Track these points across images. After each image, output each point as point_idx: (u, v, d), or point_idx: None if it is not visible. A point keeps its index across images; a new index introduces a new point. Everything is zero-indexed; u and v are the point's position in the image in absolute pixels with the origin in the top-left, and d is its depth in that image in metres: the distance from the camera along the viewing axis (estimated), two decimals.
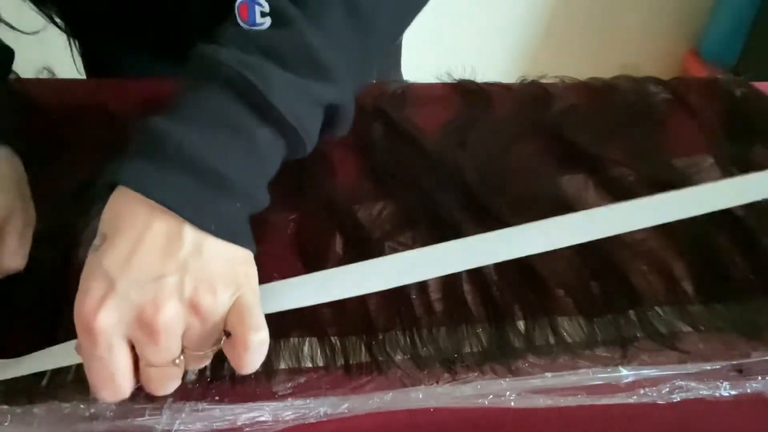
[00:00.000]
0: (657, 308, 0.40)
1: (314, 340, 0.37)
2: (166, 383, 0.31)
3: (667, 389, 0.36)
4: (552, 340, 0.38)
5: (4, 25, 0.50)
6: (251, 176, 0.33)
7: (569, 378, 0.36)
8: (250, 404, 0.34)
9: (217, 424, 0.33)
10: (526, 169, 0.49)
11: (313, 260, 0.41)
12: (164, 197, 0.30)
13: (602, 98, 0.56)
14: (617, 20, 1.67)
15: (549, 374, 0.36)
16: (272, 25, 0.34)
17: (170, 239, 0.30)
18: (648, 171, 0.49)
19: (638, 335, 0.39)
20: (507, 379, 0.36)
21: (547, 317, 0.39)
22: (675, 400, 0.36)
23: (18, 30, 0.51)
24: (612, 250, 0.42)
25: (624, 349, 0.38)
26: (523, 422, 0.35)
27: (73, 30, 0.60)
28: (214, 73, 0.33)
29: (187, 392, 0.34)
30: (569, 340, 0.38)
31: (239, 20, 0.34)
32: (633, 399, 0.36)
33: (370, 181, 0.47)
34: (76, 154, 0.46)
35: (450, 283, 0.40)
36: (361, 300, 0.38)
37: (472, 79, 0.57)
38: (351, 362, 0.36)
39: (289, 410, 0.34)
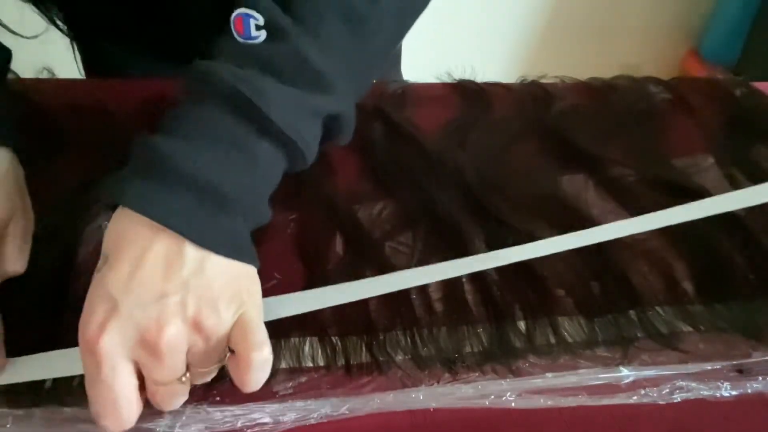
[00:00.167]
0: (657, 308, 0.40)
1: (315, 339, 0.37)
2: (173, 399, 0.31)
3: (668, 389, 0.36)
4: (552, 340, 0.38)
5: (5, 29, 0.50)
6: (252, 191, 0.33)
7: (570, 378, 0.36)
8: (251, 406, 0.34)
9: (218, 426, 0.33)
10: (526, 169, 0.49)
11: (313, 260, 0.41)
12: (165, 217, 0.30)
13: (602, 98, 0.56)
14: (617, 20, 1.67)
15: (550, 374, 0.36)
16: (267, 38, 0.34)
17: (171, 258, 0.30)
18: (648, 171, 0.49)
19: (639, 335, 0.39)
20: (507, 380, 0.36)
21: (548, 317, 0.39)
22: (675, 401, 0.36)
23: (19, 35, 0.51)
24: (612, 251, 0.42)
25: (624, 349, 0.38)
26: (523, 422, 0.35)
27: (73, 32, 0.60)
28: (212, 89, 0.33)
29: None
30: (570, 340, 0.38)
31: (235, 34, 0.34)
32: (633, 399, 0.36)
33: (370, 181, 0.47)
34: (76, 154, 0.46)
35: (450, 283, 0.40)
36: (362, 300, 0.38)
37: (472, 79, 0.57)
38: (352, 362, 0.36)
39: (289, 412, 0.34)
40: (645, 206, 0.44)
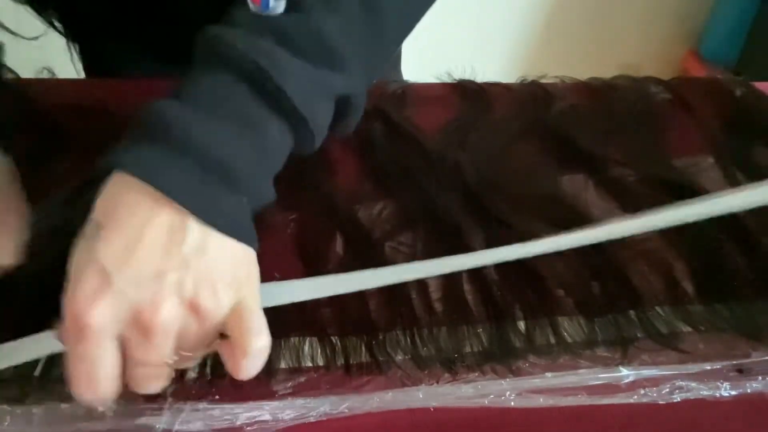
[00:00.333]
0: (657, 308, 0.40)
1: (315, 339, 0.37)
2: (153, 383, 0.30)
3: (668, 389, 0.36)
4: (552, 340, 0.38)
5: (4, 30, 0.50)
6: (258, 170, 0.32)
7: (570, 378, 0.36)
8: (250, 404, 0.34)
9: (218, 423, 0.33)
10: (526, 169, 0.49)
11: (313, 260, 0.41)
12: (169, 186, 0.28)
13: (602, 98, 0.56)
14: (617, 20, 1.67)
15: (549, 374, 0.36)
16: (286, 10, 0.33)
17: (172, 234, 0.28)
18: (648, 171, 0.49)
19: (639, 335, 0.39)
20: (507, 379, 0.36)
21: (548, 317, 0.39)
22: (675, 401, 0.36)
23: (19, 35, 0.51)
24: (612, 251, 0.42)
25: (624, 349, 0.38)
26: (523, 422, 0.35)
27: (73, 32, 0.60)
28: (226, 58, 0.31)
29: (187, 392, 0.34)
30: (570, 340, 0.38)
31: (251, 5, 0.33)
32: (633, 399, 0.36)
33: (370, 181, 0.47)
34: (76, 154, 0.46)
35: (450, 283, 0.40)
36: (362, 300, 0.38)
37: (472, 79, 0.57)
38: (351, 362, 0.36)
39: (289, 409, 0.34)
40: (645, 206, 0.44)
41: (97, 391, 0.28)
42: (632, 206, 0.46)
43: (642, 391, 0.36)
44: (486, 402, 0.35)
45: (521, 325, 0.39)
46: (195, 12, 0.53)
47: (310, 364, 0.36)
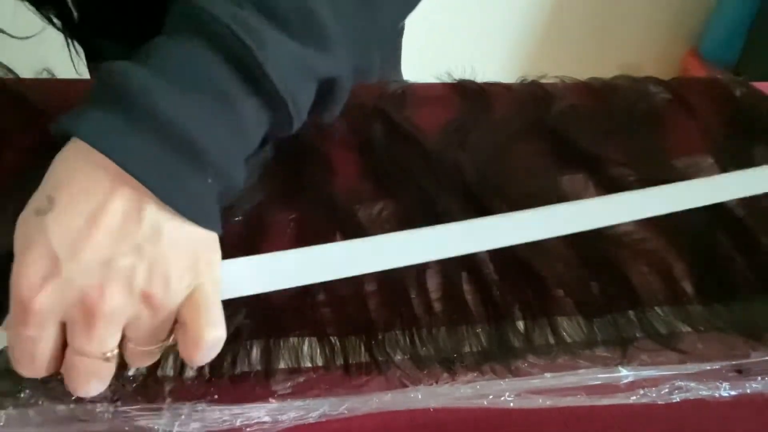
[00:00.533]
0: (657, 308, 0.40)
1: (314, 339, 0.37)
2: (90, 379, 0.28)
3: (667, 389, 0.36)
4: (552, 340, 0.38)
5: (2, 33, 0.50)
6: (229, 151, 0.29)
7: (569, 378, 0.36)
8: (249, 405, 0.34)
9: (217, 425, 0.33)
10: (526, 169, 0.49)
11: None
12: (128, 161, 0.26)
13: (602, 98, 0.56)
14: (617, 20, 1.67)
15: (549, 374, 0.36)
16: None
17: (127, 218, 0.26)
18: (648, 171, 0.49)
19: (638, 335, 0.39)
20: (507, 380, 0.36)
21: (547, 317, 0.39)
22: (675, 401, 0.36)
23: (16, 37, 0.51)
24: (612, 250, 0.42)
25: (624, 350, 0.38)
26: (522, 422, 0.35)
27: (73, 32, 0.60)
28: (203, 27, 0.29)
29: (185, 393, 0.34)
30: (569, 340, 0.38)
31: None
32: (633, 399, 0.36)
33: (370, 181, 0.47)
34: None
35: (450, 283, 0.40)
36: (361, 300, 0.38)
37: (472, 79, 0.57)
38: (350, 362, 0.36)
39: (288, 411, 0.34)
40: None
41: (32, 369, 0.27)
42: None
43: (641, 392, 0.36)
44: (485, 402, 0.35)
45: (520, 325, 0.39)
46: None
47: (309, 364, 0.36)
